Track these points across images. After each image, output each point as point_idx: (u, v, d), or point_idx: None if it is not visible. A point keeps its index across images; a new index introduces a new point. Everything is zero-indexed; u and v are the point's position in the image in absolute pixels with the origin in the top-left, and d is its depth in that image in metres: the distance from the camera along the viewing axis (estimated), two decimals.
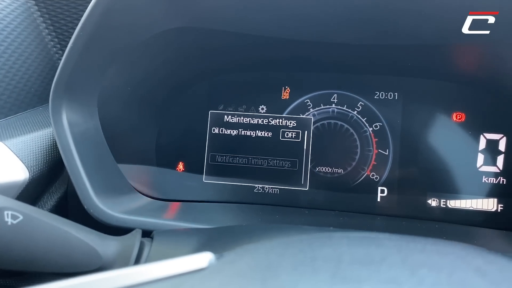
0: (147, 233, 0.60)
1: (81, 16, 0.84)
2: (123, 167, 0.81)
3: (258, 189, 0.89)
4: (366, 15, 0.68)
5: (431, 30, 0.69)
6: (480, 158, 0.82)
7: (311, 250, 0.32)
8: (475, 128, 0.83)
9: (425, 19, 0.67)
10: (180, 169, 0.90)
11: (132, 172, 0.83)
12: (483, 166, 0.82)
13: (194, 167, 0.90)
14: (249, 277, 0.30)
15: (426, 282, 0.26)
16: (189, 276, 0.35)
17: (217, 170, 0.89)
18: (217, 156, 0.90)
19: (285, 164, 0.88)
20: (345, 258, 0.30)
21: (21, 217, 0.51)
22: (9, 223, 0.50)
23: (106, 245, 0.55)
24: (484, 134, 0.82)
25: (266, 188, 0.88)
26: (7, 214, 0.50)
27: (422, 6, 0.65)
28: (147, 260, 0.53)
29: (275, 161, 0.88)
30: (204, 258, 0.37)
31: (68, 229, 0.53)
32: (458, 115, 0.83)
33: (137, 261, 0.53)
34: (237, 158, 0.89)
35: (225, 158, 0.90)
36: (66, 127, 0.67)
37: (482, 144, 0.82)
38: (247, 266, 0.32)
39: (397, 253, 0.30)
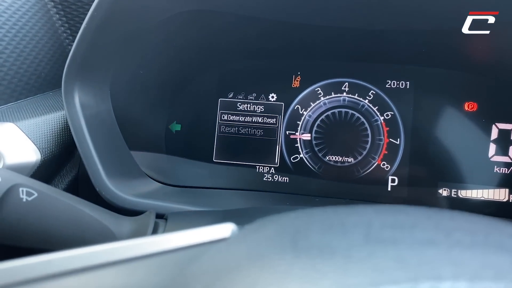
0: (158, 217, 0.59)
1: (92, 0, 0.84)
2: (133, 153, 0.80)
3: (267, 178, 0.88)
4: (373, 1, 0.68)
5: (436, 19, 0.69)
6: (492, 148, 0.82)
7: (338, 217, 0.32)
8: (487, 117, 0.82)
9: (427, 9, 0.67)
10: (190, 156, 0.89)
11: (142, 158, 0.83)
12: (494, 156, 0.82)
13: (203, 154, 0.89)
14: (278, 240, 0.29)
15: (463, 242, 0.25)
16: (212, 245, 0.35)
17: (226, 158, 0.89)
18: (226, 143, 0.89)
19: (295, 152, 0.88)
20: (375, 224, 0.29)
21: (36, 194, 0.51)
22: (24, 199, 0.50)
23: (120, 224, 0.54)
24: (496, 124, 0.82)
25: (276, 177, 0.88)
26: (22, 190, 0.50)
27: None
28: None
29: (285, 149, 0.88)
30: (226, 228, 0.36)
31: (82, 208, 0.53)
32: (470, 105, 0.83)
33: None
34: (247, 146, 0.89)
35: (235, 146, 0.89)
36: (78, 108, 0.67)
37: (494, 134, 0.82)
38: (274, 232, 0.31)
39: (427, 220, 0.30)
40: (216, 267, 0.29)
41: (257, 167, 0.89)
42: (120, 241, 0.34)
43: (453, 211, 0.35)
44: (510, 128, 0.82)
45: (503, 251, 0.24)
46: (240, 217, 0.53)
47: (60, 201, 0.52)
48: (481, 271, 0.22)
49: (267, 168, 0.88)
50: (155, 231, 0.54)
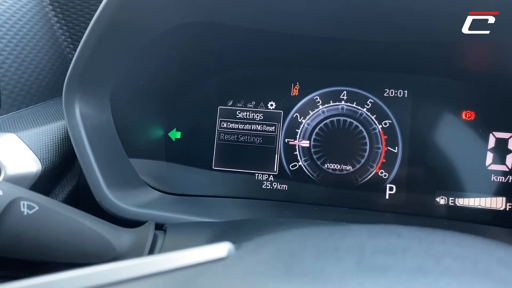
0: (158, 227, 0.60)
1: (93, 10, 0.85)
2: (133, 162, 0.81)
3: (266, 185, 0.89)
4: (371, 13, 0.68)
5: (434, 28, 0.70)
6: (489, 156, 0.82)
7: (333, 240, 0.32)
8: (484, 126, 0.83)
9: (426, 18, 0.67)
10: (189, 164, 0.90)
11: (142, 166, 0.83)
12: (492, 165, 0.82)
13: (203, 162, 0.90)
14: (273, 265, 0.30)
15: (452, 270, 0.26)
16: (209, 266, 0.35)
17: (226, 165, 0.90)
18: (226, 151, 0.90)
19: (294, 160, 0.88)
20: (368, 248, 0.30)
21: (36, 208, 0.51)
22: (25, 213, 0.50)
23: (119, 236, 0.55)
24: (494, 132, 0.83)
25: (275, 184, 0.89)
26: (23, 204, 0.51)
27: (422, 6, 0.65)
28: (161, 252, 0.53)
29: (284, 157, 0.88)
30: (223, 248, 0.37)
31: (82, 220, 0.54)
32: (467, 114, 0.84)
33: (151, 253, 0.54)
34: (246, 153, 0.90)
35: (234, 154, 0.90)
36: (79, 119, 0.67)
37: (491, 142, 0.83)
38: (269, 255, 0.32)
39: (419, 244, 0.31)
40: None
41: (256, 174, 0.89)
42: (117, 262, 0.35)
43: (444, 231, 0.35)
44: (507, 137, 0.82)
45: (490, 280, 0.25)
46: (237, 230, 0.54)
47: (60, 214, 0.53)
48: None
49: (266, 176, 0.89)
50: (153, 243, 0.55)
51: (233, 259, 0.35)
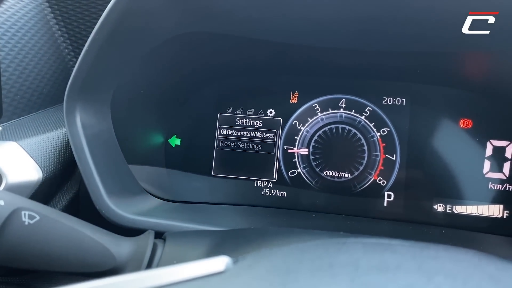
0: (158, 234, 0.60)
1: (94, 18, 0.86)
2: (133, 169, 0.82)
3: (265, 192, 0.89)
4: (369, 23, 0.69)
5: (433, 34, 0.70)
6: (487, 164, 0.83)
7: (328, 256, 0.33)
8: (482, 134, 0.83)
9: (426, 23, 0.68)
10: (189, 170, 0.91)
11: (143, 174, 0.84)
12: (489, 173, 0.83)
13: (202, 169, 0.91)
14: (269, 281, 0.31)
15: None
16: (207, 280, 0.36)
17: (225, 172, 0.90)
18: (225, 157, 0.91)
19: (293, 167, 0.89)
20: (362, 265, 0.31)
21: (37, 217, 0.52)
22: (26, 223, 0.51)
23: (119, 245, 0.56)
24: (491, 140, 0.83)
25: (274, 191, 0.89)
26: (25, 214, 0.51)
27: (423, 6, 0.65)
28: (160, 261, 0.54)
29: (283, 164, 0.89)
30: (221, 262, 0.38)
31: (83, 230, 0.54)
32: (465, 122, 0.84)
33: (150, 262, 0.54)
34: (245, 160, 0.90)
35: (234, 160, 0.91)
36: (79, 128, 0.68)
37: (489, 150, 0.83)
38: (265, 271, 0.33)
39: (411, 260, 0.31)
40: None
41: (255, 181, 0.90)
42: (115, 276, 0.35)
43: (438, 246, 0.36)
44: (504, 145, 0.83)
45: None
46: (236, 240, 0.55)
47: (61, 223, 0.53)
48: None
49: (265, 183, 0.90)
50: (153, 253, 0.55)
51: (230, 274, 0.35)
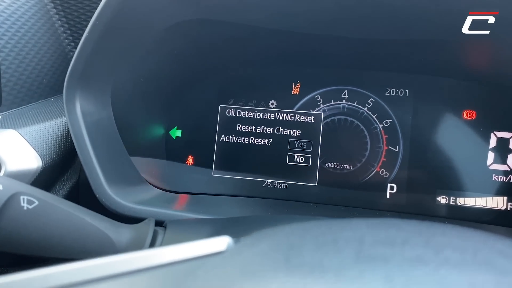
0: (158, 224, 0.60)
1: (94, 8, 0.85)
2: (133, 159, 0.81)
3: (267, 184, 0.89)
4: (371, 10, 0.68)
5: (434, 27, 0.70)
6: (490, 156, 0.82)
7: (331, 233, 0.32)
8: (485, 126, 0.83)
9: (426, 17, 0.67)
10: (189, 163, 0.90)
11: (143, 164, 0.83)
12: (493, 164, 0.82)
13: (203, 161, 0.90)
14: (272, 256, 0.30)
15: (451, 261, 0.26)
16: (208, 259, 0.35)
17: (226, 164, 0.90)
18: (226, 150, 0.90)
19: (295, 159, 0.88)
20: (367, 240, 0.30)
21: (36, 203, 0.51)
22: (25, 208, 0.50)
23: (119, 232, 0.55)
24: (495, 132, 0.82)
25: (275, 183, 0.88)
26: (23, 199, 0.51)
27: (422, 5, 0.65)
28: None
29: (285, 156, 0.88)
30: (222, 242, 0.37)
31: (82, 216, 0.54)
32: (468, 113, 0.83)
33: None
34: (247, 153, 0.89)
35: (235, 152, 0.90)
36: (79, 116, 0.68)
37: (493, 142, 0.82)
38: (268, 248, 0.32)
39: (418, 236, 0.31)
40: (210, 283, 0.30)
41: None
42: (116, 255, 0.35)
43: (444, 224, 0.35)
44: (508, 137, 0.82)
45: (490, 271, 0.25)
46: (237, 226, 0.54)
47: (60, 209, 0.52)
48: None
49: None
50: (154, 239, 0.55)
51: (232, 252, 0.35)
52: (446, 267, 0.25)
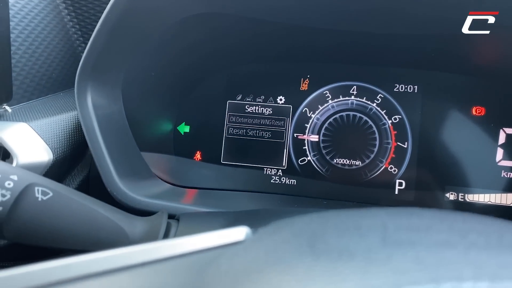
0: (169, 217, 0.60)
1: (103, 3, 0.85)
2: (143, 154, 0.81)
3: (275, 180, 0.89)
4: (379, 4, 0.68)
5: (441, 22, 0.70)
6: (500, 152, 0.82)
7: (353, 220, 0.32)
8: (494, 122, 0.83)
9: (431, 11, 0.67)
10: (197, 158, 0.90)
11: (152, 159, 0.83)
12: (502, 161, 0.82)
13: (211, 156, 0.90)
14: (295, 243, 0.30)
15: (479, 244, 0.26)
16: (228, 248, 0.35)
17: (234, 159, 0.90)
18: (234, 145, 0.90)
19: (303, 155, 0.88)
20: (390, 226, 0.30)
21: (51, 194, 0.51)
22: (40, 199, 0.50)
23: (133, 224, 0.55)
24: (504, 128, 0.82)
25: (283, 179, 0.88)
26: (38, 190, 0.51)
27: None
28: None
29: (293, 152, 0.88)
30: (240, 232, 0.37)
31: (96, 208, 0.54)
32: (477, 109, 0.83)
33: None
34: (255, 148, 0.89)
35: (243, 148, 0.90)
36: (90, 109, 0.67)
37: (502, 138, 0.82)
38: (290, 235, 0.32)
39: (440, 222, 0.31)
40: (234, 270, 0.30)
41: (265, 169, 0.89)
42: (136, 245, 0.35)
43: (462, 213, 0.35)
44: None
45: None
46: (251, 219, 0.54)
47: (74, 201, 0.52)
48: (500, 271, 0.23)
49: (275, 170, 0.89)
50: (167, 232, 0.55)
51: (252, 242, 0.35)
52: (474, 250, 0.25)
